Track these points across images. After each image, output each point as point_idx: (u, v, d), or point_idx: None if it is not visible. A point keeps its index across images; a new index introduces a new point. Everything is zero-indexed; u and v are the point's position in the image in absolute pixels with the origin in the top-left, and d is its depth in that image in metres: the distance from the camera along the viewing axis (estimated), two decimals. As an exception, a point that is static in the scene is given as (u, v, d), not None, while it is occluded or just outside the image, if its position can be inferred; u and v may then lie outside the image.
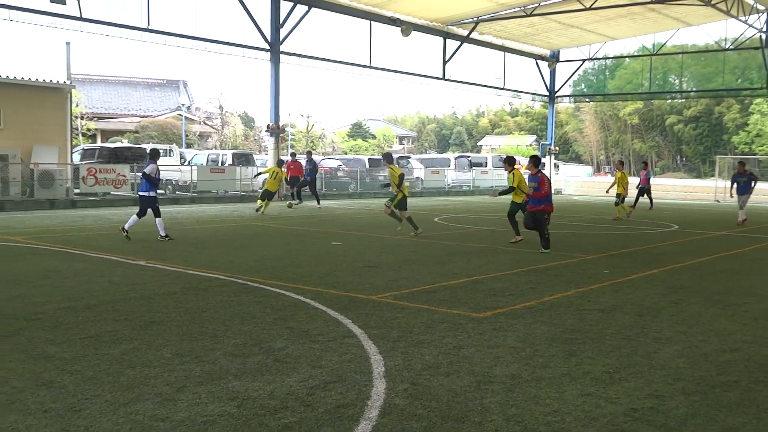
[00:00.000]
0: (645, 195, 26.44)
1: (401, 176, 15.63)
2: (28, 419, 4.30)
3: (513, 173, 14.26)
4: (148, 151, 14.65)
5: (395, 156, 43.65)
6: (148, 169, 13.63)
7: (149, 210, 13.68)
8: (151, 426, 4.24)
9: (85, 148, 30.93)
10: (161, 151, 35.22)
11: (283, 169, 23.07)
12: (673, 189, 43.49)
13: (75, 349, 5.86)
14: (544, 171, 14.82)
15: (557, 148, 46.76)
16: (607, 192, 23.27)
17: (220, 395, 4.80)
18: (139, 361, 5.55)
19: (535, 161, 13.51)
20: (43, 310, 7.34)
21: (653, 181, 26.94)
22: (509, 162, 14.52)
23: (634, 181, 26.01)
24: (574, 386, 5.17)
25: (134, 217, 13.79)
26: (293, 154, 28.15)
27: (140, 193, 13.91)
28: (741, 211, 20.93)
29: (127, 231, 13.60)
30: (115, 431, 4.16)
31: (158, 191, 13.84)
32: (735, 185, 21.01)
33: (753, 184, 20.79)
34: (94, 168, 24.93)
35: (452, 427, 4.34)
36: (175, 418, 4.36)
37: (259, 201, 21.94)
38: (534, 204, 13.05)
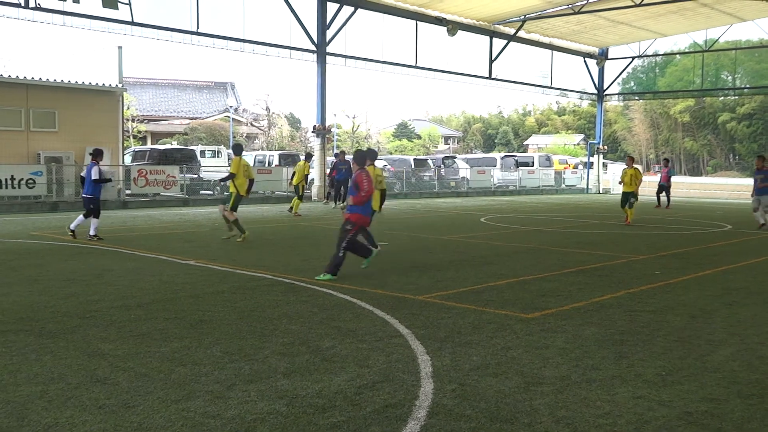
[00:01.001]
0: (664, 193, 25.86)
1: (232, 175, 13.98)
2: (84, 414, 4.40)
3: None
4: (89, 152, 14.24)
5: (443, 156, 43.54)
6: (93, 173, 13.65)
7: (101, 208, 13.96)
8: (202, 423, 4.30)
9: (136, 149, 31.55)
10: (209, 152, 35.84)
11: (309, 164, 22.85)
12: (725, 188, 42.43)
13: (127, 347, 5.98)
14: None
15: (606, 147, 46.03)
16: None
17: (270, 394, 4.84)
18: (190, 359, 5.63)
19: (358, 157, 10.34)
20: (96, 308, 7.50)
21: (703, 179, 25.46)
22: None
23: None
24: (625, 388, 5.08)
25: (80, 217, 14.03)
26: (343, 152, 28.37)
27: (84, 195, 13.99)
28: (756, 214, 18.12)
29: (73, 231, 13.88)
30: (167, 428, 4.22)
31: (100, 192, 13.92)
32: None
33: None
34: (144, 169, 25.39)
35: (501, 428, 4.30)
36: (225, 416, 4.41)
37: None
38: (348, 211, 10.03)
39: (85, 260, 11.12)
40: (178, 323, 6.86)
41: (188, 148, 33.87)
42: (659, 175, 27.45)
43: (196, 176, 28.30)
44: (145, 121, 53.43)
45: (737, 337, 6.67)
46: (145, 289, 8.62)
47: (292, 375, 5.26)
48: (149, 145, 43.63)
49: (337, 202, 24.31)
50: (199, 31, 25.10)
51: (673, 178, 28.94)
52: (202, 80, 65.08)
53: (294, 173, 22.10)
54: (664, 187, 26.12)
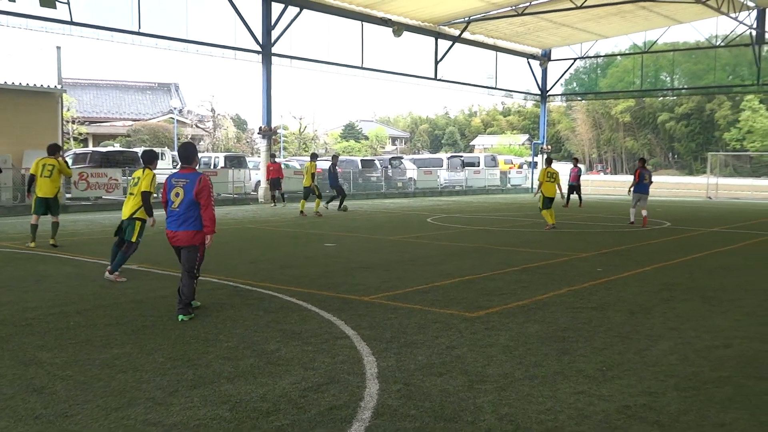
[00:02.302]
0: (575, 192, 26.23)
1: (32, 177, 13.07)
2: (19, 425, 4.27)
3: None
4: None
5: (390, 157, 43.63)
6: None
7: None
8: (143, 430, 4.22)
9: (77, 152, 30.79)
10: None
11: (315, 164, 23.04)
12: (665, 186, 43.55)
13: (66, 355, 5.83)
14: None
15: (549, 147, 46.80)
16: (535, 195, 19.66)
17: (213, 399, 4.78)
18: (131, 366, 5.53)
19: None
20: (34, 315, 7.30)
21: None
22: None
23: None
24: (567, 384, 5.17)
25: None
26: (273, 155, 28.60)
27: None
28: (632, 210, 18.92)
29: None
30: (106, 436, 4.14)
31: None
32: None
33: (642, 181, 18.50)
34: (85, 172, 24.80)
35: (445, 427, 4.33)
36: (167, 423, 4.34)
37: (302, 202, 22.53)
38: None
39: (22, 266, 10.81)
40: (119, 329, 6.73)
41: (131, 150, 33.20)
42: (601, 174, 27.80)
43: (139, 179, 27.77)
44: (86, 122, 52.25)
45: (675, 331, 6.85)
46: (85, 295, 8.42)
47: (236, 379, 5.21)
48: (90, 148, 42.63)
49: (325, 203, 24.34)
50: (140, 31, 24.64)
51: (615, 177, 29.48)
52: (145, 81, 63.91)
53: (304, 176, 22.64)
54: (574, 186, 26.46)
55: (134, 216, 9.53)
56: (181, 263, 7.53)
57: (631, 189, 18.99)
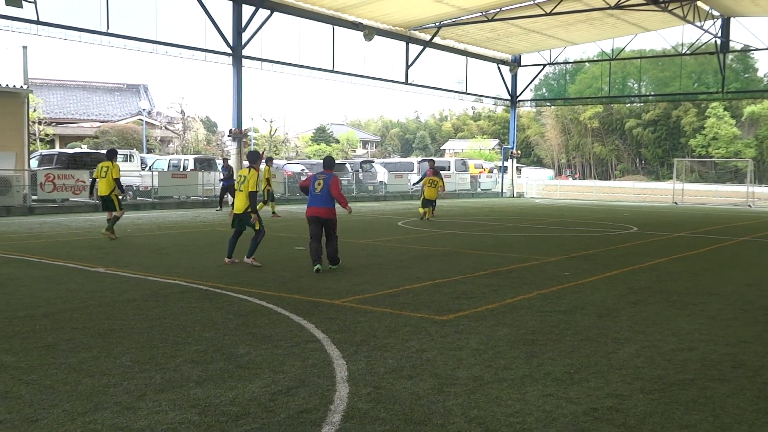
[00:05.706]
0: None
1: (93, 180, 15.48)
2: (-17, 431, 4.21)
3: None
4: None
5: (361, 161, 43.62)
6: None
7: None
8: (110, 435, 4.18)
9: (43, 153, 30.37)
10: (120, 156, 34.80)
11: (269, 167, 23.02)
12: (632, 191, 44.24)
13: (32, 359, 5.75)
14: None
15: (519, 152, 47.20)
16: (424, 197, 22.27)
17: (181, 403, 4.74)
18: (98, 370, 5.46)
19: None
20: (-2, 319, 7.18)
21: (612, 183, 25.28)
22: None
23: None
24: (535, 387, 5.22)
25: None
26: (270, 158, 28.31)
27: None
28: None
29: None
30: (72, 441, 4.08)
31: None
32: None
33: None
34: (52, 174, 24.47)
35: (415, 430, 4.35)
36: (134, 427, 4.30)
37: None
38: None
39: (-14, 269, 10.63)
40: (86, 333, 6.65)
41: (98, 152, 32.80)
42: (569, 179, 27.95)
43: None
44: (53, 123, 51.55)
45: (641, 334, 6.94)
46: (51, 299, 8.31)
47: (206, 383, 5.18)
48: (57, 149, 42.05)
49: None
50: (109, 31, 24.37)
51: (584, 182, 29.79)
52: (114, 82, 63.28)
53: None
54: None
55: (248, 210, 11.00)
56: (324, 233, 10.80)
57: None
